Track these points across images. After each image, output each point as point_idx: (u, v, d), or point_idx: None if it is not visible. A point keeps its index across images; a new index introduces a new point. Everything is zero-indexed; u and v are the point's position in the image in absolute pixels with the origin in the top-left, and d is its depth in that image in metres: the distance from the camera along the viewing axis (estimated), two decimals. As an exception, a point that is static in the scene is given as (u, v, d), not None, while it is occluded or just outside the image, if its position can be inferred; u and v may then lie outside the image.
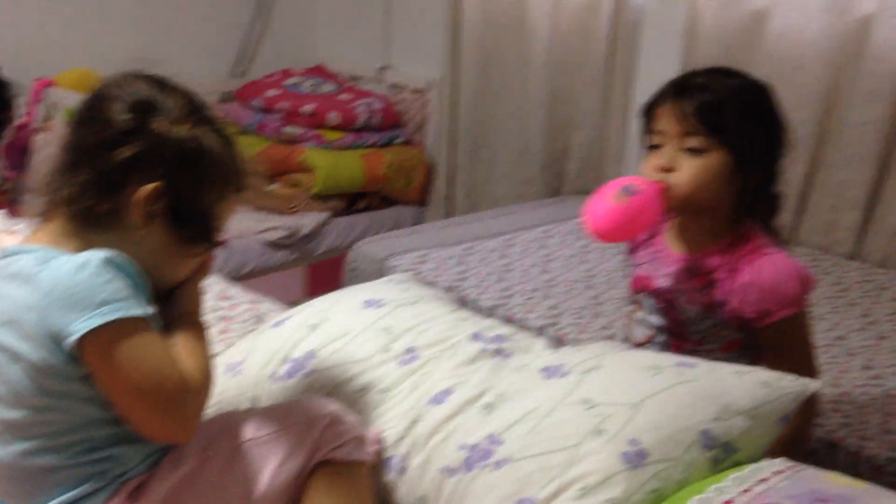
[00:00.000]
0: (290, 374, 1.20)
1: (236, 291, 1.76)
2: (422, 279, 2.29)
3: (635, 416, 1.01)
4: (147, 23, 3.38)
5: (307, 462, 1.00)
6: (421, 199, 3.47)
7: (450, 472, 1.02)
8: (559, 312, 2.18)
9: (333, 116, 3.25)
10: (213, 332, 1.53)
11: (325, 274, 3.16)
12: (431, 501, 1.04)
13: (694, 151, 1.29)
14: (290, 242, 3.11)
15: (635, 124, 3.01)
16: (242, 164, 1.01)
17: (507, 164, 3.28)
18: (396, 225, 3.30)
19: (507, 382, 1.10)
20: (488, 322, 1.27)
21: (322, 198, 3.21)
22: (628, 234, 1.32)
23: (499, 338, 1.21)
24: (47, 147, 2.73)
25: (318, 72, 3.60)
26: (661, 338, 1.41)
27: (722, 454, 1.03)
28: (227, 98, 3.61)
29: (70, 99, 2.73)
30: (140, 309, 0.90)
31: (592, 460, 0.97)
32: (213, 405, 1.09)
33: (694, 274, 1.38)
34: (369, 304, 1.28)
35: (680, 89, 1.32)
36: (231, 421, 1.02)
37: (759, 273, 1.31)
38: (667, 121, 1.31)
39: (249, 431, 0.99)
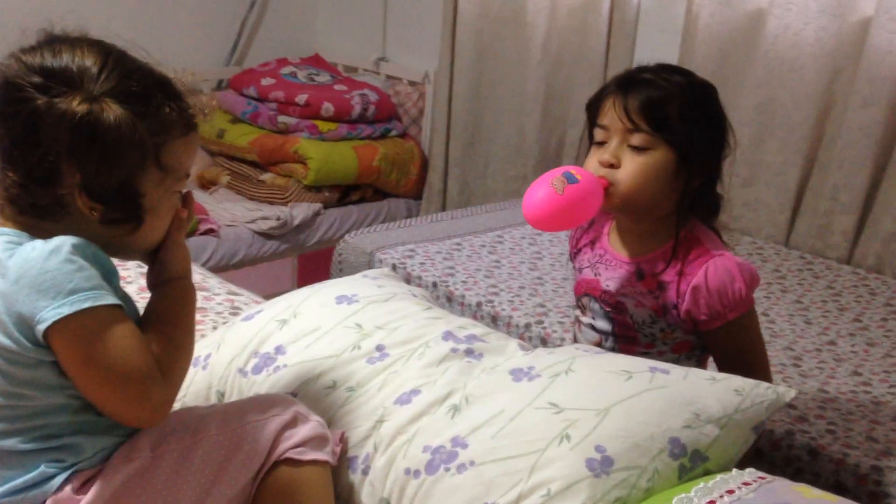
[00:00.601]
0: (257, 369, 1.18)
1: (214, 282, 1.74)
2: (408, 274, 2.27)
3: (602, 422, 0.99)
4: (143, 9, 3.36)
5: (264, 461, 0.98)
6: (415, 193, 3.45)
7: (413, 473, 1.01)
8: (546, 311, 2.16)
9: (328, 107, 3.23)
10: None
11: (315, 265, 3.15)
12: (394, 503, 1.02)
13: (638, 149, 1.27)
14: (282, 233, 3.09)
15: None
16: (160, 126, 0.96)
17: (502, 160, 3.25)
18: (389, 218, 3.28)
19: (476, 384, 1.08)
20: (462, 321, 1.25)
21: (315, 189, 3.20)
22: (563, 224, 1.28)
23: (471, 338, 1.18)
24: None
25: (315, 62, 3.57)
26: (609, 343, 1.40)
27: (690, 463, 1.01)
28: (222, 86, 3.59)
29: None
30: (110, 298, 0.90)
31: (557, 466, 0.95)
32: (178, 399, 1.08)
33: (642, 277, 1.36)
34: (341, 299, 1.26)
35: (625, 85, 1.30)
36: (187, 417, 1.01)
37: (706, 276, 1.29)
38: (611, 116, 1.29)
39: (205, 428, 0.98)
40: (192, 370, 1.21)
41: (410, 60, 3.54)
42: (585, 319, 1.43)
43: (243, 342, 1.22)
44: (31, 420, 0.91)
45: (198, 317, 1.55)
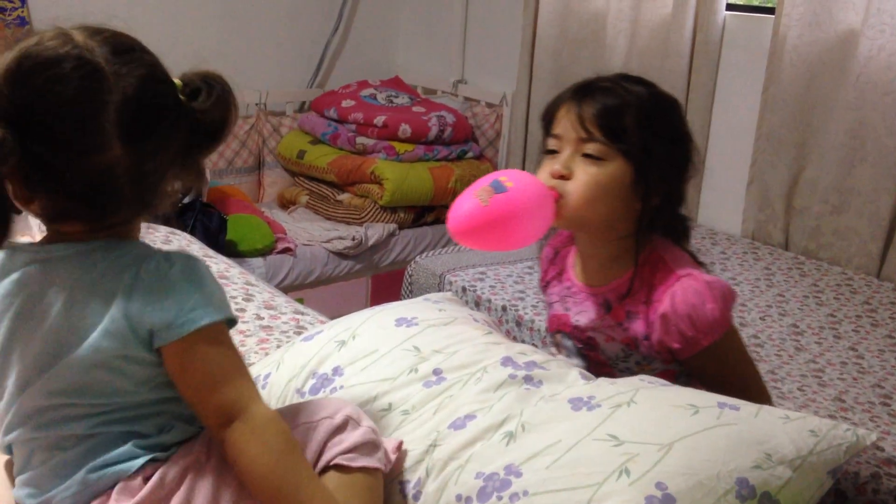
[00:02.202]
0: (315, 390, 1.17)
1: (282, 301, 1.75)
2: (478, 297, 2.25)
3: (665, 458, 0.93)
4: (232, 33, 3.46)
5: (315, 464, 0.96)
6: (490, 215, 3.43)
7: (465, 500, 0.97)
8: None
9: (405, 128, 3.25)
10: (252, 342, 1.53)
11: (388, 286, 3.16)
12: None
13: (591, 158, 1.18)
14: (357, 253, 3.11)
15: (714, 145, 2.94)
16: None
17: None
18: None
19: (532, 411, 1.04)
20: (522, 347, 1.21)
21: (390, 209, 3.21)
22: (493, 240, 1.14)
23: (530, 364, 1.14)
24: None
25: (395, 84, 3.61)
26: None
27: None
28: (304, 108, 3.66)
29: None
30: (220, 312, 0.91)
31: (614, 502, 0.91)
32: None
33: (609, 309, 1.26)
34: (401, 322, 1.24)
35: (581, 93, 1.21)
36: None
37: (673, 301, 1.18)
38: (564, 125, 1.20)
39: None
40: None
41: (488, 83, 3.53)
42: (561, 357, 1.33)
43: (302, 362, 1.22)
44: (140, 409, 0.92)
45: (262, 335, 1.56)
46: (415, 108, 3.37)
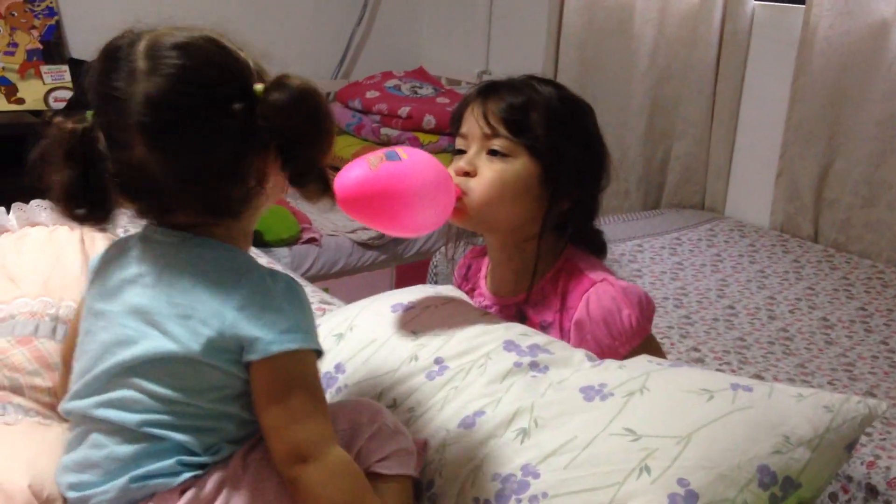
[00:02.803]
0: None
1: (308, 291, 1.75)
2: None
3: (684, 452, 0.91)
4: (255, 23, 3.47)
5: None
6: (515, 207, 3.42)
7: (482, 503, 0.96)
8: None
9: (429, 119, 3.24)
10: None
11: (413, 276, 3.16)
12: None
13: (497, 154, 1.15)
14: (381, 243, 3.11)
15: (742, 137, 2.91)
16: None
17: (604, 174, 3.18)
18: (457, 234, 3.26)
19: (543, 403, 1.01)
20: (522, 328, 1.15)
21: (415, 200, 3.21)
22: (378, 211, 1.06)
23: (534, 348, 1.09)
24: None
25: (419, 75, 3.60)
26: None
27: (781, 492, 0.92)
28: (329, 99, 3.67)
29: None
30: (314, 342, 0.91)
31: (637, 503, 0.89)
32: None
33: (524, 320, 1.21)
34: (396, 307, 1.21)
35: (487, 91, 1.19)
36: None
37: (588, 307, 1.14)
38: (470, 123, 1.18)
39: None
40: None
41: (513, 73, 3.50)
42: None
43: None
44: (199, 420, 0.91)
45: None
46: (439, 99, 3.36)
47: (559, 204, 1.18)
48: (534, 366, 1.06)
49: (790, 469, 0.93)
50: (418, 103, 3.30)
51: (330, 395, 1.13)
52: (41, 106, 2.95)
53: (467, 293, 1.32)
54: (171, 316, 0.90)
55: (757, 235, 2.73)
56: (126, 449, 0.91)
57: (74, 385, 0.96)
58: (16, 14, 2.94)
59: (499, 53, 3.60)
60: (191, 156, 0.87)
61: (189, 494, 0.91)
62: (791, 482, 0.93)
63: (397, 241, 3.16)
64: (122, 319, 0.93)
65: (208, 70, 0.90)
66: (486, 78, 3.67)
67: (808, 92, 2.62)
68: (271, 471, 0.92)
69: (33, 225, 1.33)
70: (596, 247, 1.24)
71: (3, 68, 2.91)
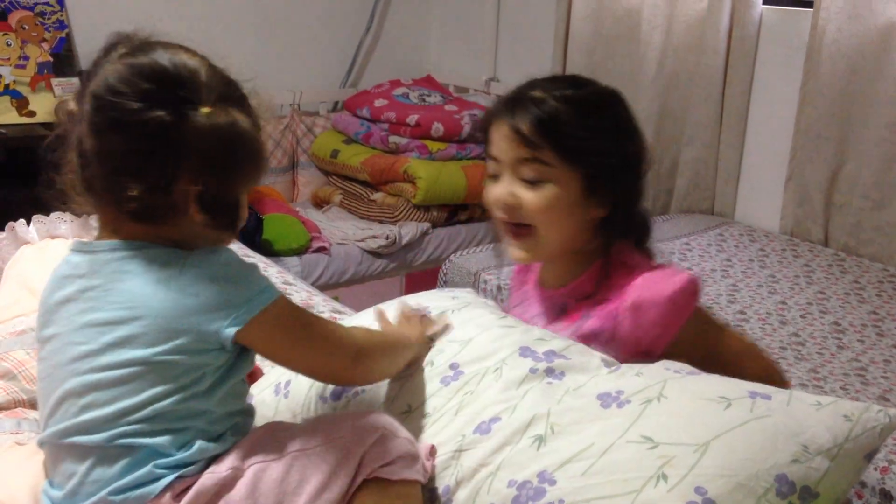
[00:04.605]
0: (336, 395, 1.15)
1: (319, 300, 1.76)
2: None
3: (702, 460, 0.91)
4: (265, 33, 3.48)
5: (353, 478, 0.95)
6: (524, 214, 3.41)
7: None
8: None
9: (438, 127, 3.24)
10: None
11: (423, 284, 3.15)
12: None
13: (532, 183, 1.13)
14: (390, 251, 3.12)
15: (751, 142, 2.90)
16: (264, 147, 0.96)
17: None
18: (497, 239, 3.26)
19: (560, 410, 1.01)
20: (539, 332, 1.15)
21: (423, 208, 3.21)
22: None
23: (550, 354, 1.09)
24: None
25: (427, 83, 3.61)
26: None
27: (800, 501, 0.91)
28: (337, 108, 3.68)
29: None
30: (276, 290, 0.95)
31: (654, 510, 0.89)
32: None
33: (563, 311, 1.21)
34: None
35: (513, 104, 1.14)
36: (278, 430, 0.99)
37: (641, 292, 1.11)
38: (500, 145, 1.14)
39: (294, 443, 0.96)
40: (274, 398, 1.20)
41: (521, 80, 3.51)
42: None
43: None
44: (174, 422, 0.92)
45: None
46: (447, 107, 3.37)
47: (608, 205, 1.15)
48: (550, 372, 1.06)
49: (809, 479, 0.92)
50: (426, 111, 3.30)
51: (346, 400, 1.14)
52: (52, 119, 2.96)
53: (516, 284, 1.33)
54: (122, 320, 0.90)
55: (767, 240, 2.73)
56: (103, 470, 0.91)
57: (41, 416, 0.96)
58: (27, 27, 2.96)
59: (506, 61, 3.60)
60: (116, 145, 0.89)
61: (189, 498, 0.90)
62: (809, 491, 0.92)
63: (407, 249, 3.16)
64: (71, 337, 0.92)
65: (151, 74, 0.90)
66: (493, 86, 3.68)
67: (817, 96, 2.61)
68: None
69: (53, 237, 1.33)
70: (642, 232, 1.20)
71: (15, 81, 2.94)
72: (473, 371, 1.09)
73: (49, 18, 3.00)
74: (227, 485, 0.92)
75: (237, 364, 0.96)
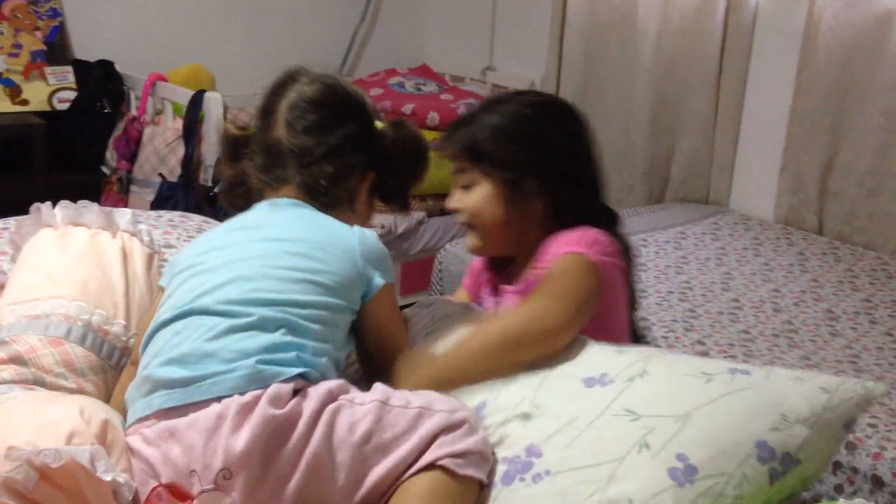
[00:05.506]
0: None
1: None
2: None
3: (683, 429, 0.93)
4: (259, 21, 3.47)
5: (416, 458, 0.94)
6: (519, 203, 3.42)
7: (488, 486, 0.97)
8: (649, 325, 2.08)
9: (433, 116, 3.24)
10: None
11: (418, 273, 3.16)
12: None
13: (466, 188, 1.33)
14: (386, 241, 3.10)
15: (746, 130, 2.90)
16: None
17: (608, 168, 3.15)
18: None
19: (545, 390, 1.03)
20: None
21: (419, 197, 3.20)
22: None
23: None
24: (155, 140, 2.84)
25: (423, 72, 3.60)
26: None
27: (781, 467, 0.94)
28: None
29: (179, 94, 2.83)
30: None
31: (637, 476, 0.90)
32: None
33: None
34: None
35: (451, 128, 1.38)
36: (360, 390, 1.01)
37: (556, 237, 1.25)
38: (445, 161, 1.37)
39: (394, 398, 0.98)
40: None
41: (517, 69, 3.51)
42: None
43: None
44: (320, 332, 1.04)
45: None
46: (443, 96, 3.36)
47: (535, 207, 1.29)
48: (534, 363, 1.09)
49: (789, 445, 0.95)
50: (422, 100, 3.30)
51: None
52: (45, 107, 2.96)
53: (483, 284, 1.43)
54: (313, 246, 1.09)
55: (761, 228, 2.73)
56: (252, 340, 0.99)
57: (204, 286, 1.06)
58: (20, 15, 2.95)
59: (503, 50, 3.60)
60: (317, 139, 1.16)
61: (293, 404, 0.94)
62: (790, 458, 0.95)
63: (402, 238, 3.16)
64: (248, 246, 1.10)
65: (343, 92, 1.22)
66: (489, 74, 3.68)
67: (813, 84, 2.61)
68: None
69: (77, 224, 1.33)
70: (604, 222, 1.31)
71: (8, 70, 2.93)
72: None
73: (42, 7, 2.99)
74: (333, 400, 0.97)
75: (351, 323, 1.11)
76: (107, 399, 1.14)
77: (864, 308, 2.17)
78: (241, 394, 0.93)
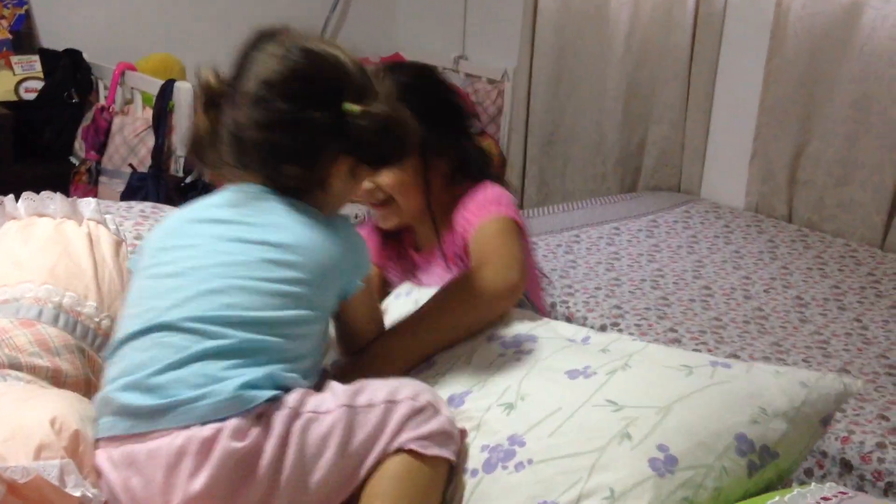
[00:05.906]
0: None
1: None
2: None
3: (664, 420, 0.94)
4: (229, 10, 3.43)
5: (386, 445, 0.95)
6: (493, 192, 3.43)
7: (470, 472, 0.98)
8: (622, 313, 2.10)
9: (406, 106, 3.23)
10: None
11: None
12: (453, 502, 1.00)
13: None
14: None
15: (717, 119, 2.93)
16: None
17: (581, 158, 3.20)
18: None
19: (529, 381, 1.04)
20: (505, 319, 1.19)
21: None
22: None
23: (517, 339, 1.14)
24: (125, 130, 2.80)
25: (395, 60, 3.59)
26: None
27: (759, 460, 0.96)
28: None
29: (149, 84, 2.79)
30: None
31: (618, 466, 0.91)
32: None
33: (445, 257, 1.37)
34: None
35: None
36: (329, 385, 1.00)
37: (465, 201, 1.30)
38: None
39: (335, 398, 0.97)
40: None
41: (490, 58, 3.51)
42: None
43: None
44: (295, 347, 0.99)
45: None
46: (416, 85, 3.35)
47: (442, 167, 1.35)
48: (518, 353, 1.10)
49: (767, 438, 0.96)
50: (395, 89, 3.29)
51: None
52: (12, 97, 2.91)
53: (389, 257, 1.46)
54: (278, 244, 1.02)
55: (732, 216, 2.76)
56: (224, 364, 0.94)
57: (148, 309, 1.00)
58: (-16, 3, 2.90)
59: (475, 38, 3.60)
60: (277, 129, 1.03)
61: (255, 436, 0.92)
62: (768, 451, 0.96)
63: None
64: (216, 246, 1.02)
65: (315, 71, 1.06)
66: (462, 63, 3.66)
67: (782, 74, 2.64)
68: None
69: (41, 215, 1.32)
70: (480, 167, 1.38)
71: (-27, 58, 2.87)
72: (444, 359, 1.14)
73: (8, -6, 2.94)
74: (287, 421, 0.94)
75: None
76: (85, 378, 1.13)
77: (832, 294, 2.21)
78: (205, 423, 0.91)
